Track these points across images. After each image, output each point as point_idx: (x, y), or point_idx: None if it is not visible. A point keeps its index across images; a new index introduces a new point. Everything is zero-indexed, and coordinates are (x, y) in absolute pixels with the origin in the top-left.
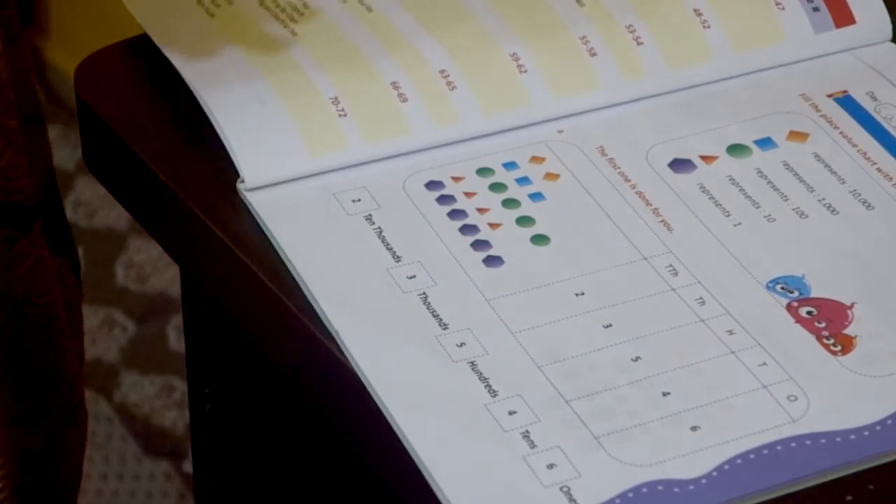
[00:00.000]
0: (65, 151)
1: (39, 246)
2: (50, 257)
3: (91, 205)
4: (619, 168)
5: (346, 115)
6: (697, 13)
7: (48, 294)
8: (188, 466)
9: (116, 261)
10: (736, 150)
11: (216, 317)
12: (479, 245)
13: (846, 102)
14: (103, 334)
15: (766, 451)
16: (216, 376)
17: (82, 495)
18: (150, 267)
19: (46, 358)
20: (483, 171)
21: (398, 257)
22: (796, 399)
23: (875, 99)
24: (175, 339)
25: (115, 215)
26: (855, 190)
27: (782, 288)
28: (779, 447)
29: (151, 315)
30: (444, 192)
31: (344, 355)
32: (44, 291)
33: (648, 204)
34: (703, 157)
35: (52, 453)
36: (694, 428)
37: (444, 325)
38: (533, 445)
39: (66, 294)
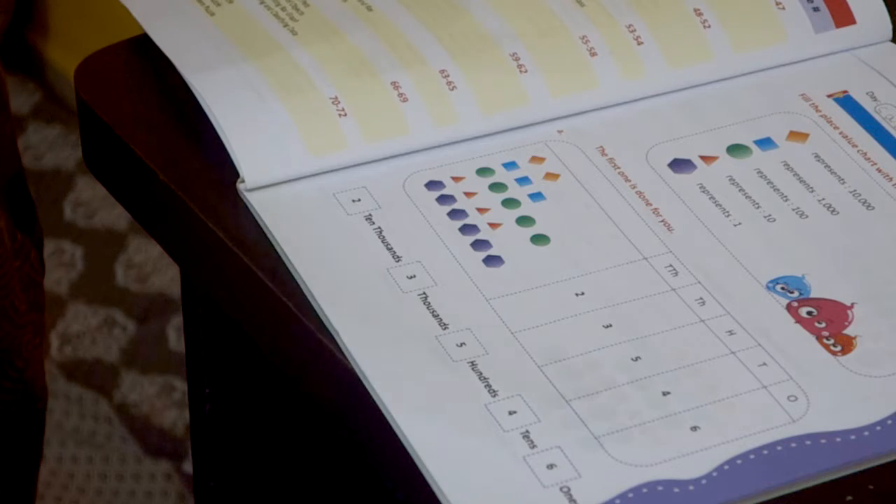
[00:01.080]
0: (65, 151)
1: None
2: (7, 232)
3: (91, 205)
4: (619, 168)
5: (346, 115)
6: (697, 13)
7: (2, 267)
8: (188, 466)
9: (116, 261)
10: (736, 150)
11: (216, 317)
12: (479, 245)
13: (846, 102)
14: (103, 334)
15: (766, 451)
16: (216, 376)
17: (83, 495)
18: (150, 267)
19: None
20: (483, 171)
21: (398, 257)
22: (796, 399)
23: (875, 99)
24: (175, 339)
25: (115, 215)
26: (855, 190)
27: (782, 288)
28: (779, 447)
29: (151, 315)
30: (444, 192)
31: (344, 355)
32: None
33: (648, 204)
34: (703, 157)
35: (5, 430)
36: (694, 428)
37: (444, 325)
38: (533, 445)
39: (27, 270)
